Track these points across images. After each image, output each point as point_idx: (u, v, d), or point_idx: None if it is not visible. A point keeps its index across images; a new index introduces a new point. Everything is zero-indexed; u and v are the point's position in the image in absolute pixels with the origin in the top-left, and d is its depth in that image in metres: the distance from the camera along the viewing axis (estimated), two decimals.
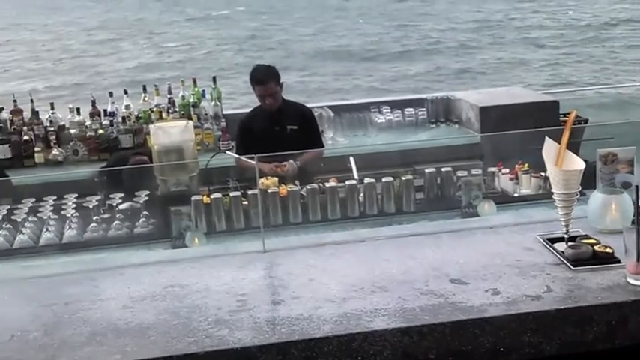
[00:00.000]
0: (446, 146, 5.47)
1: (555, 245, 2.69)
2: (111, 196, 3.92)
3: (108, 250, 3.55)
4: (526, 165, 4.00)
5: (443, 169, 3.93)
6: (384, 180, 3.84)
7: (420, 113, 6.10)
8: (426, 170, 3.94)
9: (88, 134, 5.66)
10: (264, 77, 4.99)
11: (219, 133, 5.77)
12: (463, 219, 3.60)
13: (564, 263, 2.56)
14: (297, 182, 4.03)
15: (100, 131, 5.68)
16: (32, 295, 2.64)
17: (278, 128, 4.98)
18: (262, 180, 3.81)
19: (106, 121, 5.75)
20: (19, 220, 3.74)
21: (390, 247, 2.86)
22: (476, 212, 3.67)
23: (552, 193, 2.66)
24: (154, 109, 5.77)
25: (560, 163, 2.63)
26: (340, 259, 2.77)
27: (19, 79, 20.83)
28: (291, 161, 4.62)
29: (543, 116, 5.42)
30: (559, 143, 2.64)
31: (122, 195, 3.92)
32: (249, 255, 2.88)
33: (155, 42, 28.24)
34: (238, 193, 3.79)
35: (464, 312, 2.27)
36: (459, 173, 3.86)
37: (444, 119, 6.17)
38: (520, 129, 3.86)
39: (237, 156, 4.78)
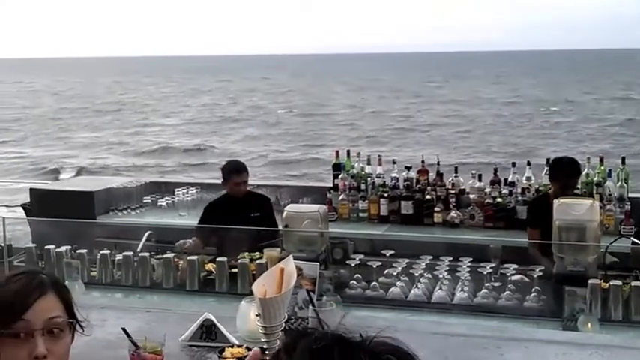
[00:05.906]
0: None
1: None
2: (504, 265, 3.94)
3: (496, 319, 3.55)
4: None
5: None
6: None
7: None
8: None
9: (486, 201, 5.78)
10: None
11: (622, 216, 5.44)
12: None
13: None
14: None
15: (499, 200, 5.75)
16: (442, 349, 2.70)
17: None
18: None
19: (505, 191, 5.82)
20: (416, 274, 3.94)
21: None
22: None
23: None
24: None
25: None
26: None
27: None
28: None
29: None
30: None
31: (516, 266, 3.92)
32: None
33: None
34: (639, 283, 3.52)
35: None
36: None
37: None
38: None
39: None
